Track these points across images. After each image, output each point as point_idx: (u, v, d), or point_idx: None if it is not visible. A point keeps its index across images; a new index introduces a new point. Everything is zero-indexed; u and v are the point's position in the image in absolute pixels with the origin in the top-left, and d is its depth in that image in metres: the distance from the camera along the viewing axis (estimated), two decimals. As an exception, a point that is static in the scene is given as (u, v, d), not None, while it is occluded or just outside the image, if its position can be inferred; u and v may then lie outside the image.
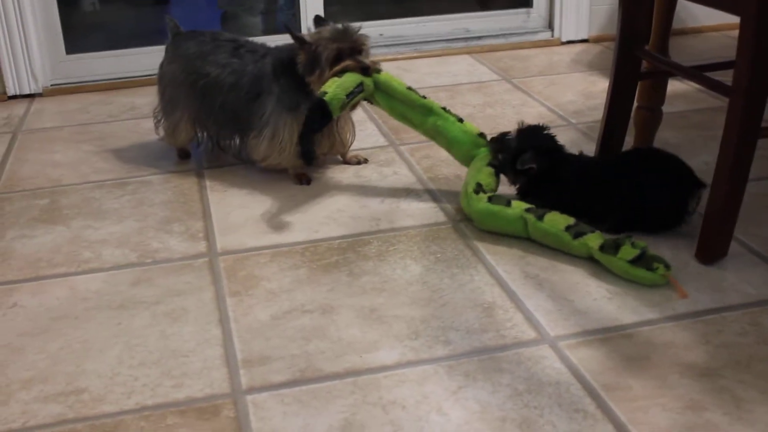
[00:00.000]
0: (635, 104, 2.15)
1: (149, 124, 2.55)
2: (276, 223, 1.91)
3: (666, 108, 2.23)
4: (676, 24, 3.20)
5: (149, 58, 2.95)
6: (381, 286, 1.65)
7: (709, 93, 2.59)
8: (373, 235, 1.85)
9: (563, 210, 1.75)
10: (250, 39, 2.20)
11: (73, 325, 1.56)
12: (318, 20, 2.06)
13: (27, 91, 2.85)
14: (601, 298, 1.58)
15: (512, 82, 2.83)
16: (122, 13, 3.82)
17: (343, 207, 1.99)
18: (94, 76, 2.93)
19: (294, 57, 2.01)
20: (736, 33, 1.60)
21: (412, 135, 2.39)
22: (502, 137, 1.90)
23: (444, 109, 1.98)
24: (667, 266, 1.60)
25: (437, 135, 1.98)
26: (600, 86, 2.74)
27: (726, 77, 1.66)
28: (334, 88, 1.90)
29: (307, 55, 1.99)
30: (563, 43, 3.25)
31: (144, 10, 3.85)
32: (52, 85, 2.89)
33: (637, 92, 2.10)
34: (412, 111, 1.98)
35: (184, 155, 2.29)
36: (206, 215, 1.97)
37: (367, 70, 1.95)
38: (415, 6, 3.96)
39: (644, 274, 1.60)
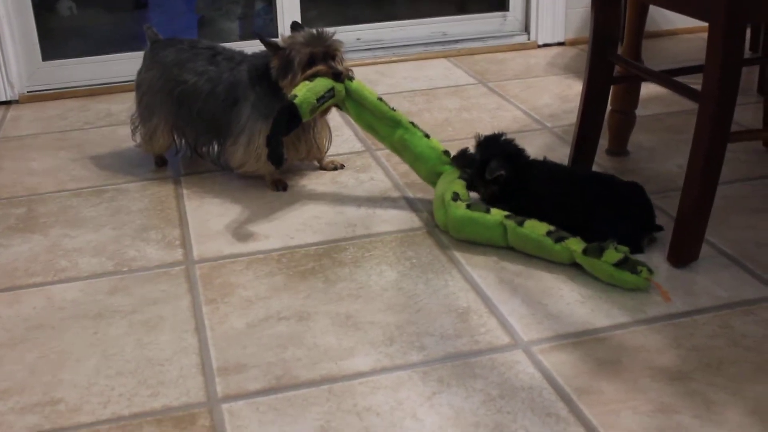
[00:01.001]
0: (609, 108, 2.17)
1: (126, 130, 2.55)
2: (252, 230, 1.92)
3: (640, 111, 2.26)
4: (650, 27, 3.24)
5: (127, 65, 2.95)
6: (357, 292, 1.66)
7: (681, 96, 2.61)
8: (349, 241, 1.86)
9: (535, 215, 1.77)
10: (228, 46, 2.21)
11: (50, 334, 1.57)
12: (294, 26, 2.07)
13: (3, 98, 2.84)
14: (574, 302, 1.60)
15: (488, 86, 2.85)
16: (100, 18, 3.81)
17: (319, 213, 2.00)
18: (71, 83, 2.92)
19: (269, 63, 2.02)
20: (707, 37, 1.62)
21: (389, 140, 2.40)
22: (464, 152, 1.92)
23: (412, 123, 1.98)
24: (650, 270, 1.62)
25: (403, 149, 1.99)
26: (576, 89, 2.76)
27: (697, 81, 1.68)
28: (304, 91, 1.91)
29: (280, 60, 2.00)
30: (539, 47, 3.27)
31: (122, 16, 3.84)
32: (28, 92, 2.89)
33: (610, 96, 2.12)
34: (380, 122, 1.99)
35: (161, 162, 2.30)
36: (183, 223, 1.98)
37: (338, 76, 1.96)
38: (392, 10, 3.98)
39: (628, 278, 1.61)
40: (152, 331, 1.57)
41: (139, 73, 2.25)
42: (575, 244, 1.69)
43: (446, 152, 1.96)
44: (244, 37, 3.28)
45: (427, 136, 1.98)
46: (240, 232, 1.92)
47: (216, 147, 2.16)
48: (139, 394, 1.40)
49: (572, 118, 2.43)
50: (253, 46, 2.22)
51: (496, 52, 3.23)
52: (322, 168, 2.23)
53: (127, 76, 2.94)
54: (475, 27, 3.30)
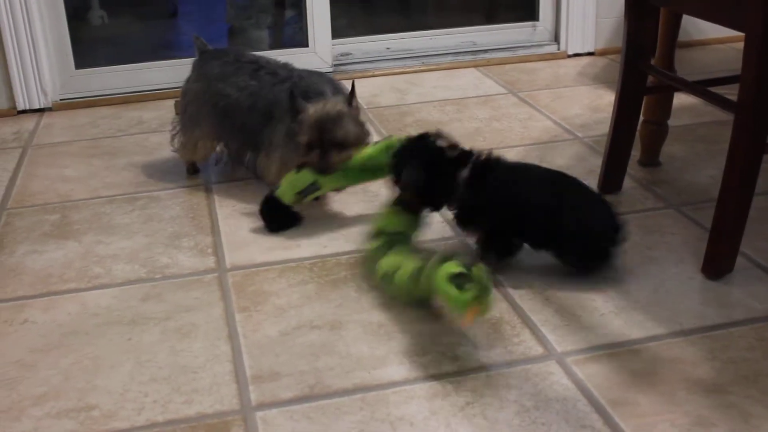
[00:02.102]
0: (641, 118, 2.16)
1: (158, 138, 2.57)
2: (284, 239, 1.93)
3: (672, 121, 2.24)
4: (682, 36, 3.21)
5: (158, 73, 2.98)
6: (389, 301, 1.66)
7: (714, 106, 2.60)
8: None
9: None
10: (273, 59, 2.21)
11: (84, 341, 1.58)
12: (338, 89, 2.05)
13: (36, 106, 2.87)
14: (608, 314, 1.59)
15: (519, 96, 2.85)
16: (131, 27, 3.86)
17: (351, 222, 2.00)
18: (103, 91, 2.95)
19: (301, 95, 1.99)
20: (742, 45, 1.60)
21: (420, 149, 2.40)
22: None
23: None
24: (483, 296, 1.41)
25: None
26: (606, 99, 2.75)
27: (731, 92, 1.67)
28: (285, 185, 1.93)
29: (297, 131, 1.96)
30: (569, 56, 3.27)
31: (152, 24, 3.88)
32: (61, 100, 2.91)
33: (643, 106, 2.11)
34: (375, 162, 1.91)
35: (192, 170, 2.31)
36: (215, 231, 1.99)
37: (322, 171, 1.91)
38: (422, 19, 3.99)
39: (451, 292, 1.42)
40: (185, 338, 1.57)
41: (187, 81, 2.26)
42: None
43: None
44: (273, 46, 3.29)
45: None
46: (272, 241, 1.92)
47: (252, 158, 2.16)
48: (173, 401, 1.40)
49: (603, 128, 2.41)
50: (282, 56, 2.23)
51: (526, 61, 3.23)
52: None
53: (158, 85, 2.97)
54: (504, 37, 3.30)
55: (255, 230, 1.97)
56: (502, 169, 1.74)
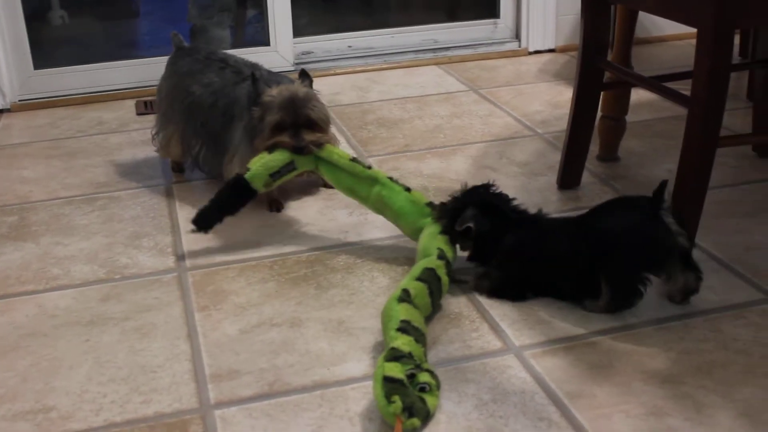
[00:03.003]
0: (599, 114, 2.18)
1: (118, 139, 2.56)
2: (244, 238, 1.92)
3: (630, 117, 2.27)
4: (640, 33, 3.26)
5: (118, 73, 2.96)
6: (349, 298, 1.67)
7: (672, 102, 2.63)
8: (340, 247, 1.87)
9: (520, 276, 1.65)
10: (242, 58, 2.20)
11: (42, 342, 1.57)
12: (301, 74, 1.99)
13: (-5, 107, 2.84)
14: (566, 308, 1.61)
15: (480, 93, 2.86)
16: (92, 27, 3.82)
17: (311, 220, 2.00)
18: (63, 91, 2.93)
19: (263, 81, 1.99)
20: (695, 43, 1.63)
21: (380, 147, 2.41)
22: (443, 204, 1.72)
23: (390, 179, 1.81)
24: (412, 415, 1.28)
25: (384, 207, 1.81)
26: (566, 96, 2.77)
27: (687, 87, 1.69)
28: (258, 165, 1.83)
29: (259, 114, 1.93)
30: (530, 53, 3.29)
31: (114, 24, 3.85)
32: (20, 101, 2.89)
33: (600, 102, 2.13)
34: (359, 183, 1.82)
35: (177, 168, 2.30)
36: (175, 230, 1.98)
37: (300, 150, 1.84)
38: (383, 18, 3.99)
39: (379, 397, 1.29)
40: (145, 338, 1.57)
41: (161, 79, 2.26)
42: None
43: (430, 204, 1.78)
44: (235, 45, 3.28)
45: (407, 189, 1.80)
46: (232, 240, 1.92)
47: (214, 159, 2.14)
48: (132, 401, 1.40)
49: (563, 124, 2.43)
50: (243, 55, 2.23)
51: (487, 59, 3.24)
52: (325, 184, 2.15)
53: (118, 85, 2.95)
54: (466, 34, 3.32)
55: (215, 230, 1.96)
56: (545, 225, 1.68)
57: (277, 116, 1.89)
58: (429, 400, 1.33)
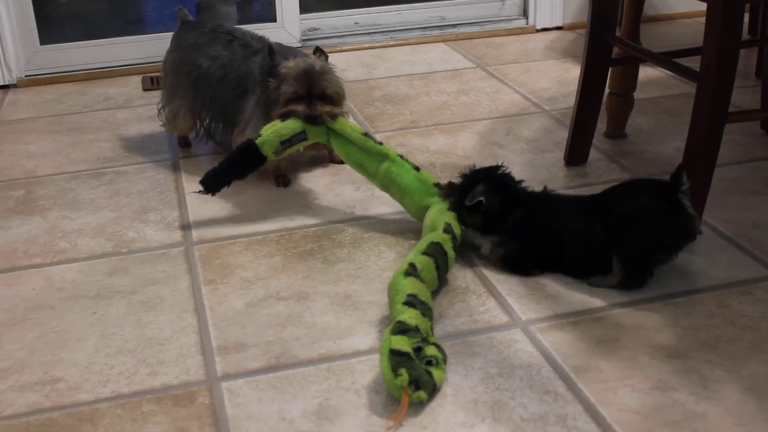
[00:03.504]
0: (607, 90, 2.17)
1: (124, 114, 2.56)
2: (251, 212, 1.92)
3: (638, 94, 2.26)
4: (650, 11, 3.24)
5: (124, 49, 2.96)
6: (355, 272, 1.67)
7: (680, 79, 2.62)
8: (347, 222, 1.86)
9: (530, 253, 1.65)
10: (249, 31, 2.19)
11: (50, 315, 1.57)
12: (316, 50, 1.98)
13: (1, 83, 2.84)
14: (572, 283, 1.61)
15: (487, 70, 2.85)
16: (97, 2, 3.81)
17: (318, 195, 2.00)
18: (69, 67, 2.92)
19: (279, 54, 1.99)
20: (704, 19, 1.62)
21: (387, 123, 2.41)
22: (451, 183, 1.73)
23: (401, 157, 1.82)
24: (418, 388, 1.28)
25: (390, 183, 1.80)
26: (574, 73, 2.76)
27: (695, 63, 1.68)
28: (269, 132, 1.82)
29: (275, 85, 1.93)
30: (538, 31, 3.27)
31: (119, 1, 3.84)
32: (26, 76, 2.88)
33: (608, 78, 2.12)
34: (368, 158, 1.82)
35: (183, 143, 2.30)
36: (182, 205, 1.98)
37: (313, 119, 1.84)
38: (390, -6, 3.97)
39: (386, 370, 1.30)
40: (152, 311, 1.57)
41: (166, 53, 2.25)
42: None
43: (437, 185, 1.78)
44: (242, 21, 3.27)
45: (416, 168, 1.80)
46: (239, 214, 1.92)
47: (224, 132, 2.14)
48: (139, 373, 1.40)
49: (571, 101, 2.43)
50: (253, 30, 2.22)
51: (495, 36, 3.23)
52: (332, 159, 2.17)
53: (124, 61, 2.95)
54: (473, 11, 3.30)
55: (222, 204, 1.97)
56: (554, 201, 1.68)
57: (293, 87, 1.89)
58: (435, 373, 1.33)
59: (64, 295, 1.63)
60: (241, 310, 1.56)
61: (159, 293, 1.63)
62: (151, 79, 2.84)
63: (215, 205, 1.96)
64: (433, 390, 1.31)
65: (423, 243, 1.60)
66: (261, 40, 2.14)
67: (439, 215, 1.69)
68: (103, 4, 3.77)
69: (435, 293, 1.56)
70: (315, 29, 3.17)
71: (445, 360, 1.37)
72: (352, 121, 1.91)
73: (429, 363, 1.34)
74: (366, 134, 1.84)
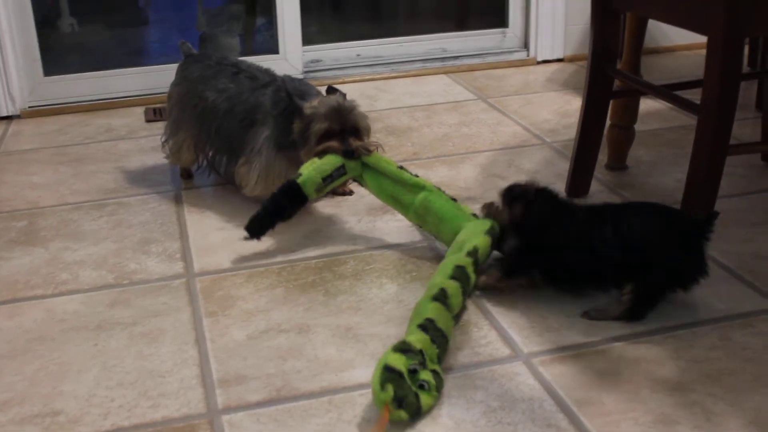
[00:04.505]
0: (608, 122, 2.18)
1: (127, 145, 2.57)
2: (253, 244, 1.92)
3: (639, 126, 2.27)
4: (649, 43, 3.26)
5: (127, 80, 2.98)
6: (357, 305, 1.67)
7: (681, 111, 2.63)
8: (349, 254, 1.87)
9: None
10: (254, 64, 2.20)
11: (50, 346, 1.57)
12: (329, 90, 2.00)
13: (4, 113, 2.85)
14: (574, 315, 1.60)
15: (488, 102, 2.86)
16: (101, 34, 3.83)
17: (320, 226, 2.00)
18: (72, 98, 2.94)
19: (296, 94, 2.00)
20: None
21: (389, 155, 2.40)
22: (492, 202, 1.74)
23: (438, 189, 1.84)
24: (401, 407, 1.30)
25: (427, 213, 1.81)
26: (575, 105, 2.77)
27: (695, 95, 1.69)
28: (310, 170, 1.84)
29: (301, 126, 1.95)
30: (539, 63, 3.29)
31: (123, 32, 3.86)
32: (30, 107, 2.90)
33: (609, 111, 2.13)
34: (403, 190, 1.83)
35: (186, 175, 2.31)
36: (183, 236, 1.98)
37: (350, 154, 1.86)
38: (392, 26, 4.00)
39: (374, 383, 1.31)
40: (153, 343, 1.57)
41: (171, 85, 2.26)
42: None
43: (475, 215, 1.79)
44: (244, 53, 3.29)
45: (453, 200, 1.82)
46: (240, 246, 1.92)
47: (228, 164, 2.15)
48: (140, 406, 1.40)
49: (571, 133, 2.44)
50: (255, 62, 2.23)
51: (496, 68, 3.25)
52: (334, 192, 2.15)
53: (127, 92, 2.96)
54: (474, 43, 3.32)
55: (223, 236, 1.97)
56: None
57: (325, 124, 1.90)
58: (424, 398, 1.33)
59: (65, 327, 1.63)
60: (242, 342, 1.56)
61: (160, 325, 1.62)
62: (154, 110, 2.85)
63: (217, 237, 1.96)
64: (416, 413, 1.32)
65: (448, 265, 1.61)
66: (267, 72, 2.15)
67: (472, 236, 1.70)
68: (106, 36, 3.79)
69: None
70: (317, 61, 3.19)
71: (439, 388, 1.37)
72: (385, 155, 1.92)
73: (421, 387, 1.34)
74: (401, 167, 1.86)
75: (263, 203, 1.85)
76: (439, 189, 1.84)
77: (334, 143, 1.89)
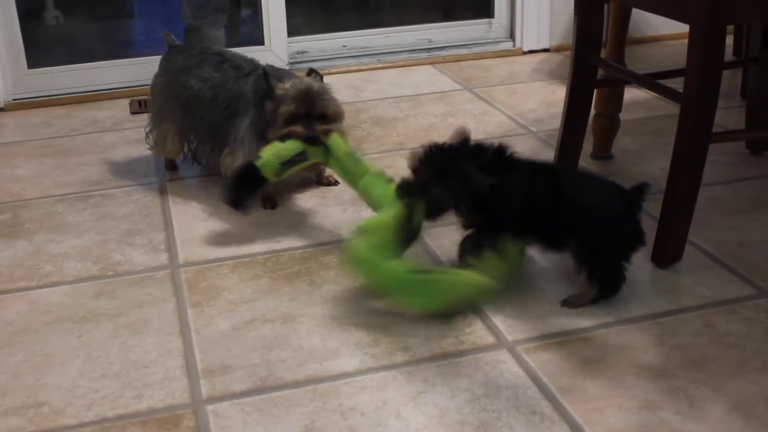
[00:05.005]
0: (593, 112, 2.18)
1: (112, 137, 2.56)
2: (238, 235, 1.92)
3: (624, 115, 2.27)
4: (635, 33, 3.26)
5: (112, 72, 2.96)
6: (342, 294, 1.67)
7: (665, 100, 2.63)
8: (334, 244, 1.86)
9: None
10: (239, 53, 2.19)
11: (34, 338, 1.56)
12: (309, 72, 1.98)
13: (-12, 106, 2.84)
14: (559, 303, 1.60)
15: (474, 92, 2.86)
16: (86, 27, 3.82)
17: (305, 217, 2.00)
18: (57, 91, 2.92)
19: (273, 75, 1.99)
20: (688, 40, 1.63)
21: (375, 145, 2.41)
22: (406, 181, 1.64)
23: (379, 174, 1.82)
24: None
25: (368, 197, 1.81)
26: (560, 95, 2.77)
27: (679, 84, 1.69)
28: (269, 154, 1.84)
29: (271, 107, 1.93)
30: (524, 53, 3.29)
31: (107, 24, 3.85)
32: (14, 100, 2.88)
33: (594, 100, 2.13)
34: (351, 175, 1.84)
35: (170, 166, 2.30)
36: (168, 227, 1.98)
37: (312, 140, 1.85)
38: (378, 17, 4.00)
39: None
40: (137, 334, 1.56)
41: (154, 76, 2.25)
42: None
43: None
44: (230, 45, 3.28)
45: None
46: (225, 237, 1.92)
47: (211, 154, 2.13)
48: (124, 396, 1.39)
49: (557, 122, 2.43)
50: (242, 52, 2.23)
51: (482, 58, 3.24)
52: (319, 182, 2.17)
53: (112, 84, 2.95)
54: (460, 34, 3.32)
55: (208, 227, 1.97)
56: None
57: (292, 107, 1.89)
58: None
59: (49, 319, 1.62)
60: (226, 333, 1.55)
61: (145, 316, 1.62)
62: (139, 102, 2.84)
63: (202, 228, 1.96)
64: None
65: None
66: (251, 62, 2.14)
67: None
68: (91, 28, 3.78)
69: (420, 313, 1.57)
70: (303, 52, 3.18)
71: None
72: (347, 142, 1.91)
73: None
74: (350, 154, 1.85)
75: (225, 182, 1.87)
76: (381, 174, 1.81)
77: (298, 128, 1.88)
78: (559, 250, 1.63)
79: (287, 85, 1.93)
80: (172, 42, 2.27)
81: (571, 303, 1.60)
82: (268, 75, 1.97)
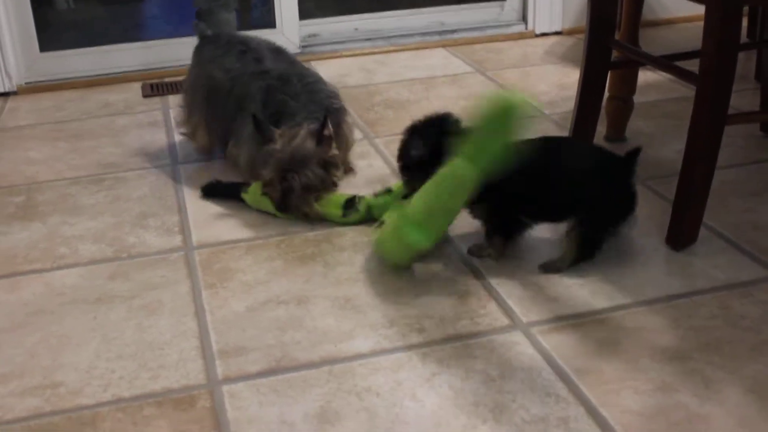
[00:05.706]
0: (607, 94, 2.17)
1: (124, 120, 2.56)
2: (251, 217, 1.92)
3: (638, 98, 2.26)
4: (648, 15, 3.24)
5: (124, 55, 2.96)
6: (356, 276, 1.67)
7: (680, 83, 2.62)
8: (348, 226, 1.86)
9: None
10: (264, 41, 2.18)
11: (50, 319, 1.57)
12: (326, 117, 1.90)
13: (1, 90, 2.84)
14: (574, 285, 1.60)
15: (486, 75, 2.85)
16: (97, 10, 3.82)
17: (318, 199, 2.00)
18: (69, 74, 2.92)
19: (283, 108, 1.95)
20: (703, 21, 1.62)
21: (387, 128, 2.41)
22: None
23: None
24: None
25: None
26: (573, 77, 2.75)
27: (694, 66, 1.68)
28: (252, 197, 1.93)
29: (264, 149, 1.89)
30: (537, 36, 3.27)
31: (118, 8, 3.85)
32: (26, 83, 2.88)
33: (608, 82, 2.12)
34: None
35: (206, 153, 2.26)
36: (182, 210, 1.98)
37: (284, 210, 1.87)
38: (390, 0, 3.98)
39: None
40: (152, 315, 1.57)
41: (188, 68, 2.25)
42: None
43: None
44: (241, 28, 3.26)
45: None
46: (239, 219, 1.92)
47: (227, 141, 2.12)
48: (140, 377, 1.40)
49: (570, 105, 2.42)
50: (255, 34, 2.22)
51: (494, 41, 3.23)
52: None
53: (125, 67, 2.95)
54: (472, 17, 3.30)
55: (222, 209, 1.97)
56: None
57: (271, 173, 1.85)
58: None
59: (64, 300, 1.63)
60: (241, 314, 1.56)
61: (159, 298, 1.63)
62: (151, 85, 2.84)
63: (215, 210, 1.96)
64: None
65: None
66: (271, 57, 2.11)
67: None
68: (102, 12, 3.78)
69: (434, 294, 1.57)
70: (314, 35, 3.18)
71: None
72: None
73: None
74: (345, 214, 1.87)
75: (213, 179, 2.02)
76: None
77: (273, 194, 1.86)
78: (559, 220, 1.68)
79: (278, 144, 1.86)
80: (203, 31, 2.26)
81: (549, 268, 1.63)
82: (260, 122, 1.88)
